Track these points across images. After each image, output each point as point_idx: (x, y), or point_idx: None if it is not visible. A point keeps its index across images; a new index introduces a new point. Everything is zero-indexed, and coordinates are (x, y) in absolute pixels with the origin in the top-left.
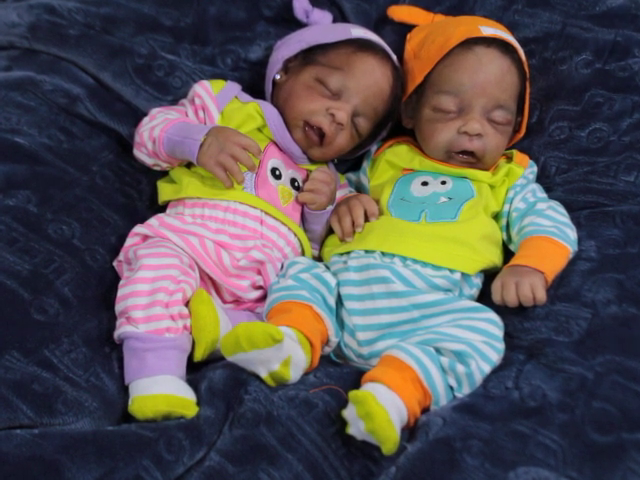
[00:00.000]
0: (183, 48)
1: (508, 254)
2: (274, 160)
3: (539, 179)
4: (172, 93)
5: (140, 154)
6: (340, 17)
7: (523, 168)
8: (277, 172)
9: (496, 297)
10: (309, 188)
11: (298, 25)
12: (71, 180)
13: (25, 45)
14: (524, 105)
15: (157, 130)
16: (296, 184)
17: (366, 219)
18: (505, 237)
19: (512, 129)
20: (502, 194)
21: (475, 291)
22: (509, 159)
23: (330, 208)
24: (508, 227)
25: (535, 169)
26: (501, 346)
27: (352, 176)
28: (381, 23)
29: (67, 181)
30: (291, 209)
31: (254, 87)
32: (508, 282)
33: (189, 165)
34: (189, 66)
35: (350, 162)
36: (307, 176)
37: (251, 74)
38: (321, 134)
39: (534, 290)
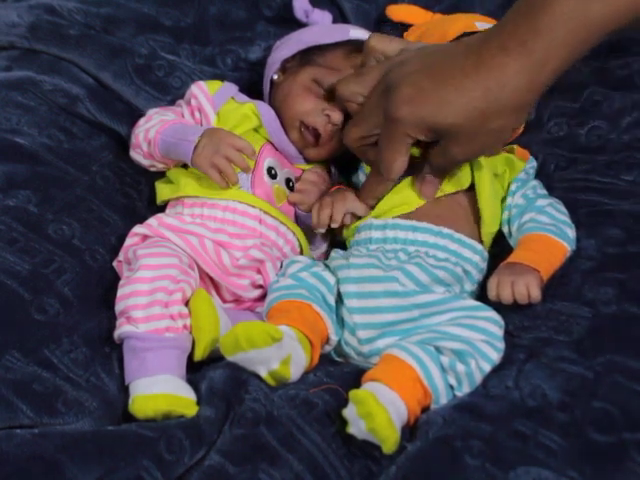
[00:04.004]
0: (183, 48)
1: (506, 248)
2: (270, 160)
3: (538, 177)
4: (172, 93)
5: (136, 155)
6: (340, 17)
7: (524, 162)
8: (273, 171)
9: (492, 294)
10: (298, 189)
11: (298, 25)
12: (72, 180)
13: (25, 45)
14: None
15: (152, 131)
16: (290, 184)
17: (359, 218)
18: (506, 231)
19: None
20: (504, 183)
21: (477, 287)
22: (510, 154)
23: None
24: (509, 221)
25: (535, 164)
26: (501, 345)
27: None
28: (381, 23)
29: (68, 181)
30: (286, 209)
31: (254, 87)
32: (504, 280)
33: (186, 165)
34: (189, 66)
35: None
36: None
37: (251, 74)
38: (317, 134)
39: (529, 288)
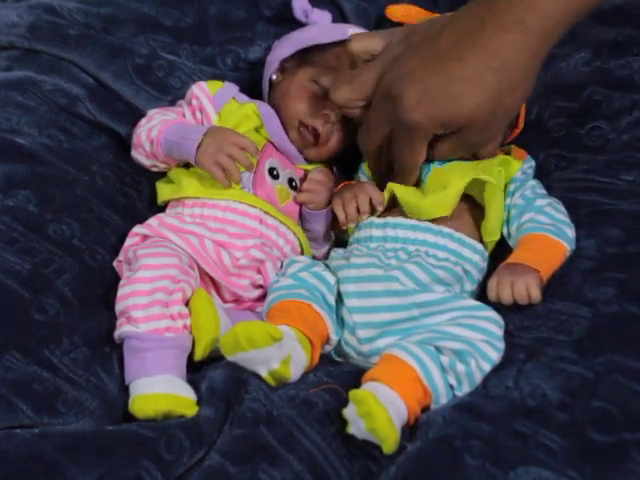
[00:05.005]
0: (183, 48)
1: (506, 248)
2: (271, 160)
3: (538, 177)
4: (172, 93)
5: (138, 155)
6: (340, 17)
7: (521, 161)
8: (275, 172)
9: (491, 295)
10: (307, 188)
11: (298, 25)
12: (71, 180)
13: (25, 45)
14: None
15: (155, 131)
16: (294, 184)
17: (372, 208)
18: (505, 232)
19: (508, 124)
20: (501, 184)
21: (477, 287)
22: (507, 155)
23: (329, 208)
24: (508, 222)
25: (533, 164)
26: (501, 345)
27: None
28: (381, 23)
29: (67, 181)
30: (289, 209)
31: (254, 87)
32: (504, 280)
33: (187, 166)
34: (189, 66)
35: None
36: (304, 176)
37: (251, 74)
38: (316, 134)
39: (529, 289)
